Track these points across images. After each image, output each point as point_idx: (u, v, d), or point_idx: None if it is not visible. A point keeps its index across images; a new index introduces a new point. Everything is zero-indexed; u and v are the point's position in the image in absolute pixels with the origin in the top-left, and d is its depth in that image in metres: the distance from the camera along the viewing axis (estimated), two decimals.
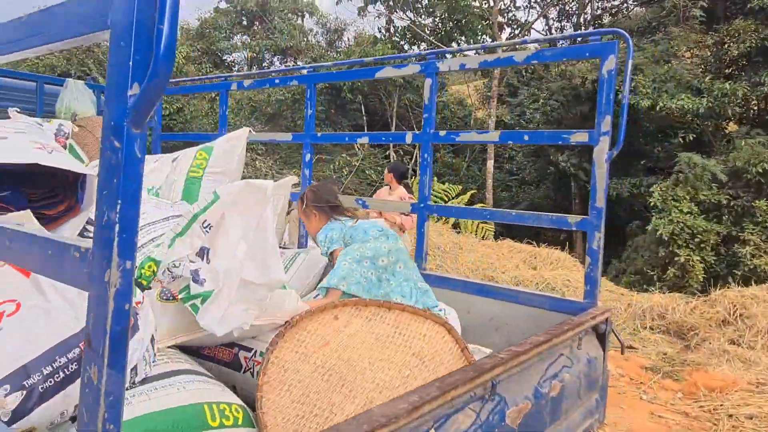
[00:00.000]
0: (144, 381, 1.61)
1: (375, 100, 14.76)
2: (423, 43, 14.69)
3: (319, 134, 3.49)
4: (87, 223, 2.38)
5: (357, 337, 2.12)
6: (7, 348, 1.32)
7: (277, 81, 3.71)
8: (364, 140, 3.32)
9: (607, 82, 2.41)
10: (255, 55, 18.41)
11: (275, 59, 18.81)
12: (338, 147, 14.07)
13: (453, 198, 10.04)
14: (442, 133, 2.93)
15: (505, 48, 2.75)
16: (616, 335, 2.55)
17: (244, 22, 18.90)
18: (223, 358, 2.31)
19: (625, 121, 2.42)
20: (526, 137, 2.74)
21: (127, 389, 1.55)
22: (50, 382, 1.33)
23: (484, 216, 2.72)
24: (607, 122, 2.44)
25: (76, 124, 3.95)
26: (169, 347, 1.88)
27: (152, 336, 1.63)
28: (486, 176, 12.79)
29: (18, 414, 1.26)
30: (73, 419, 1.48)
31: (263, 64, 18.77)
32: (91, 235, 2.30)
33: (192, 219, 1.81)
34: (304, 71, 3.52)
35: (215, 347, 2.32)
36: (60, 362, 1.36)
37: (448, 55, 2.88)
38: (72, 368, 1.38)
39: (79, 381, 1.42)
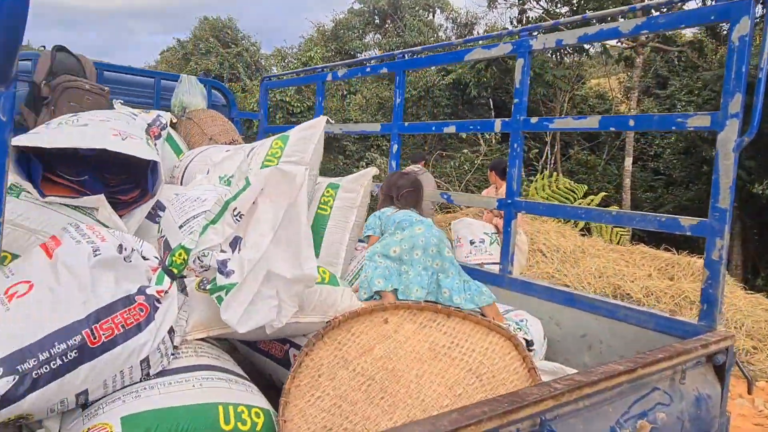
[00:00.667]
0: (160, 374, 1.53)
1: (503, 94, 14.15)
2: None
3: (406, 124, 3.29)
4: (155, 206, 2.43)
5: (407, 345, 1.89)
6: (9, 329, 1.30)
7: (368, 69, 3.57)
8: (451, 129, 3.06)
9: (738, 51, 1.92)
10: (386, 52, 18.68)
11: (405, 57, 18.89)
12: (463, 143, 13.71)
13: (580, 198, 9.23)
14: (534, 119, 2.58)
15: (612, 18, 2.32)
16: (740, 368, 2.04)
17: (377, 21, 19.22)
18: (276, 354, 2.22)
19: (761, 100, 1.91)
20: (631, 122, 2.30)
21: (139, 381, 1.48)
22: (45, 368, 1.29)
23: (577, 215, 2.34)
24: (736, 102, 1.94)
25: (186, 116, 4.16)
26: (204, 339, 1.80)
27: (171, 328, 1.55)
28: (623, 175, 11.65)
29: (8, 399, 1.23)
30: (83, 407, 1.44)
31: None
32: (159, 219, 2.31)
33: (224, 206, 1.71)
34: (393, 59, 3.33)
35: (270, 342, 2.23)
36: (58, 349, 1.32)
37: (543, 32, 2.52)
38: (71, 356, 1.33)
39: (78, 370, 1.38)
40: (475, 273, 2.79)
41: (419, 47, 3.26)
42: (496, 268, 5.43)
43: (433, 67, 16.11)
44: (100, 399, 1.43)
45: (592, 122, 2.31)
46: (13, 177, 2.11)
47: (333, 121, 2.97)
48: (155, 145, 2.88)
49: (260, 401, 1.64)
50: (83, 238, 1.55)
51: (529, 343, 2.32)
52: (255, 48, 19.42)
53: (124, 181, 2.45)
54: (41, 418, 1.34)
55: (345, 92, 16.33)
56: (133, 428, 1.32)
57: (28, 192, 2.14)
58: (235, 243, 1.68)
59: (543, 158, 13.52)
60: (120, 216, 2.29)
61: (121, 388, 1.45)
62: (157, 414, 1.39)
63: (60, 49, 3.87)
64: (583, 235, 7.99)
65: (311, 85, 15.88)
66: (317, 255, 2.98)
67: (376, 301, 2.13)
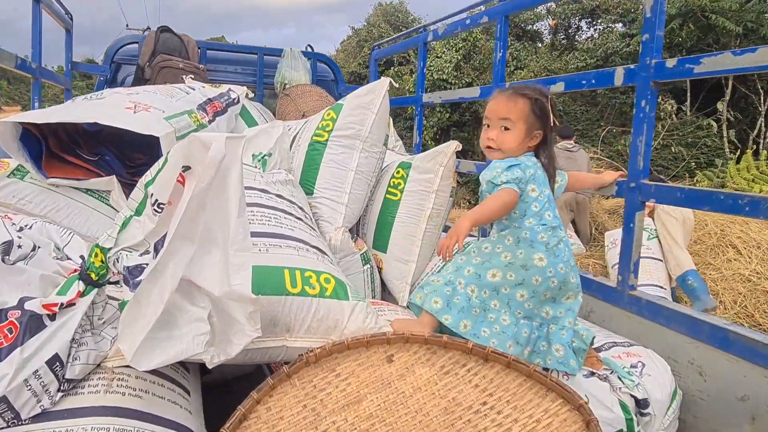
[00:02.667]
0: (37, 419, 1.14)
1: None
2: None
3: (507, 85, 2.54)
4: None
5: (414, 401, 1.26)
6: None
7: (468, 22, 2.87)
8: (559, 87, 2.25)
9: None
10: (561, 21, 17.03)
11: (582, 23, 17.05)
12: None
13: None
14: (671, 62, 1.70)
15: None
16: None
17: None
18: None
19: None
20: None
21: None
22: None
23: (736, 207, 1.44)
24: None
25: (283, 93, 3.87)
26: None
27: (56, 356, 1.14)
28: None
29: None
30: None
31: (568, 31, 17.25)
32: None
33: (145, 192, 1.25)
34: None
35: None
36: None
37: None
38: None
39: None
40: (585, 282, 2.00)
41: None
42: (654, 265, 4.34)
43: (616, 31, 14.15)
44: None
45: (762, 55, 1.39)
46: (19, 158, 1.92)
47: (396, 84, 2.37)
48: (210, 121, 2.58)
49: (330, 269, 1.57)
50: None
51: (642, 405, 1.52)
52: (425, 30, 19.23)
53: (147, 161, 2.16)
54: None
55: (513, 68, 15.19)
56: None
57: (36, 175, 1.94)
58: (162, 242, 1.22)
59: (755, 132, 11.06)
60: None
61: None
62: None
63: (164, 30, 3.81)
64: None
65: (474, 60, 15.15)
66: (384, 250, 2.43)
67: (377, 331, 1.50)
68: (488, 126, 1.68)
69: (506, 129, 1.63)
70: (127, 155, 2.20)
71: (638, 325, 1.84)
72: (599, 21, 15.81)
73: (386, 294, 2.52)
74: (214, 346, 1.22)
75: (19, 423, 1.12)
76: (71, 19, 3.64)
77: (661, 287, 4.10)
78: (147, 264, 1.21)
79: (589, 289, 2.03)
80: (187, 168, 1.16)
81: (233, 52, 4.24)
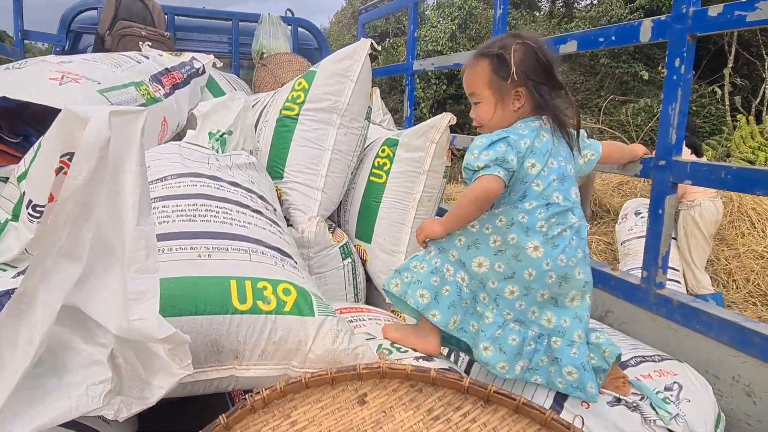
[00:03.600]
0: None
1: None
2: None
3: None
4: None
5: None
6: None
7: None
8: (571, 47, 1.91)
9: None
10: None
11: None
12: (648, 85, 11.35)
13: None
14: (715, 9, 1.36)
15: None
16: None
17: None
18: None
19: None
20: None
21: None
22: None
23: None
24: None
25: (260, 63, 3.51)
26: None
27: None
28: None
29: None
30: None
31: None
32: None
33: (21, 191, 0.93)
34: None
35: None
36: None
37: None
38: None
39: None
40: (601, 277, 1.70)
41: None
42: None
43: None
44: None
45: None
46: None
47: (379, 47, 2.02)
48: (166, 95, 2.24)
49: (292, 277, 1.25)
50: None
51: None
52: None
53: None
54: None
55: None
56: None
57: None
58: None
59: (758, 99, 10.68)
60: None
61: None
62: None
63: None
64: None
65: (470, 29, 14.59)
66: (368, 240, 2.12)
67: (351, 352, 1.18)
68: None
69: (476, 103, 1.35)
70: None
71: (668, 332, 1.54)
72: None
73: (372, 289, 2.22)
74: (123, 395, 0.91)
75: None
76: None
77: (675, 269, 3.79)
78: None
79: (606, 286, 1.73)
80: (70, 155, 0.84)
81: (205, 18, 3.84)
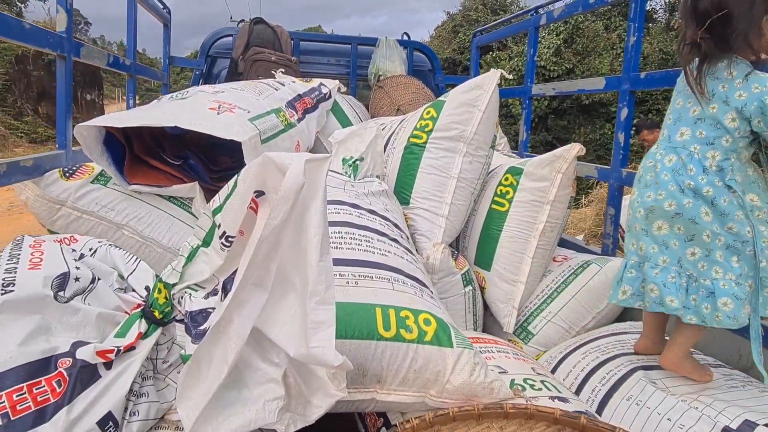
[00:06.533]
0: None
1: None
2: None
3: (643, 75, 2.13)
4: None
5: None
6: None
7: (591, 0, 2.46)
8: None
9: None
10: None
11: None
12: None
13: None
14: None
15: None
16: None
17: None
18: (370, 427, 1.51)
19: None
20: None
21: None
22: None
23: None
24: None
25: (377, 85, 3.63)
26: None
27: (109, 414, 0.97)
28: None
29: None
30: None
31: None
32: None
33: (212, 222, 1.05)
34: None
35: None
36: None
37: None
38: None
39: None
40: None
41: None
42: None
43: None
44: None
45: None
46: (102, 162, 1.81)
47: (510, 76, 2.04)
48: (299, 119, 2.39)
49: (431, 308, 1.30)
50: None
51: None
52: (537, 13, 18.44)
53: (233, 164, 2.00)
54: None
55: (619, 50, 14.06)
56: None
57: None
58: (231, 282, 1.01)
59: None
60: None
61: None
62: None
63: (257, 21, 3.70)
64: None
65: (576, 44, 14.13)
66: (487, 268, 2.13)
67: (487, 386, 1.19)
68: None
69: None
70: (213, 158, 2.05)
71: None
72: None
73: (487, 316, 2.22)
74: (290, 411, 0.99)
75: None
76: (169, 13, 3.61)
77: None
78: (212, 309, 1.00)
79: None
80: (260, 193, 0.94)
81: (327, 43, 4.05)
